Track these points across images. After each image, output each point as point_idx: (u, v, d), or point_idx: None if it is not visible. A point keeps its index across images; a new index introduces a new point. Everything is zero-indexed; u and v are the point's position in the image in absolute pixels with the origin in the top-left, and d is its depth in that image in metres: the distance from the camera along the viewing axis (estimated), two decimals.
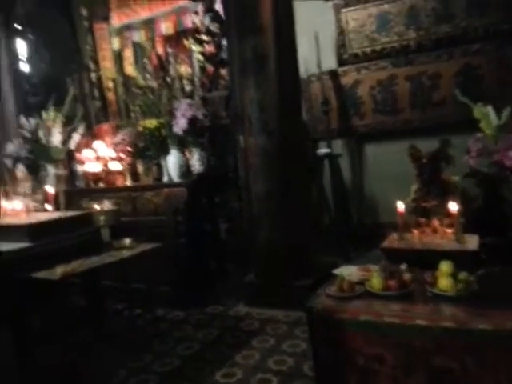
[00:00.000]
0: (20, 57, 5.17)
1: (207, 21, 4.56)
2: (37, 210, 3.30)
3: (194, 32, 4.64)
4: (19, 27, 5.07)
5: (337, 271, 2.09)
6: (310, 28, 4.20)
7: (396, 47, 4.14)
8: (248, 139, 3.65)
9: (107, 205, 3.29)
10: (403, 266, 1.89)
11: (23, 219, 2.81)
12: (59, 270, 2.52)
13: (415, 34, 4.06)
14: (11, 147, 4.46)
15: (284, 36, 3.50)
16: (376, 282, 1.79)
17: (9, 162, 4.38)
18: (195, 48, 4.67)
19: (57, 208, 3.21)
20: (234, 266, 4.04)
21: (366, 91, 4.29)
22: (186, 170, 3.95)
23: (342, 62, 4.39)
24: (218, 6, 4.47)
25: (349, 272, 1.99)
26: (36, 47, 5.21)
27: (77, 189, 4.34)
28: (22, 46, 5.17)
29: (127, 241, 3.07)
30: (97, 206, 3.21)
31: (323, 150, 4.40)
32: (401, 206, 2.15)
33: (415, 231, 2.16)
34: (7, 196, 3.25)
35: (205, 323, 3.36)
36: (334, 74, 4.41)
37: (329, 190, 4.37)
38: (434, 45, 3.99)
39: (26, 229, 2.67)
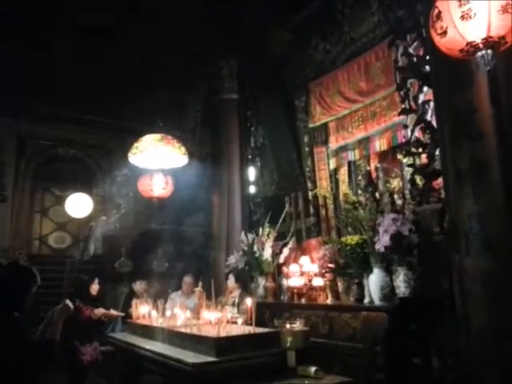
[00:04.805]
0: (248, 181, 5.95)
1: (418, 132, 4.38)
2: (233, 322, 3.40)
3: (406, 145, 4.51)
4: (250, 156, 5.93)
5: None
6: None
7: None
8: (465, 260, 3.06)
9: (298, 325, 3.12)
10: None
11: (214, 331, 2.89)
12: None
13: None
14: (232, 259, 4.96)
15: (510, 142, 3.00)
16: None
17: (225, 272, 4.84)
18: (406, 161, 4.48)
19: (251, 322, 3.23)
20: None
21: None
22: (389, 291, 3.53)
23: None
24: (430, 116, 4.27)
25: None
26: (262, 172, 5.93)
27: (277, 302, 4.38)
28: (250, 172, 5.98)
29: (312, 369, 2.78)
30: (287, 325, 3.09)
31: None
32: None
33: None
34: (214, 307, 3.45)
35: None
36: None
37: None
38: None
39: (214, 342, 2.73)
